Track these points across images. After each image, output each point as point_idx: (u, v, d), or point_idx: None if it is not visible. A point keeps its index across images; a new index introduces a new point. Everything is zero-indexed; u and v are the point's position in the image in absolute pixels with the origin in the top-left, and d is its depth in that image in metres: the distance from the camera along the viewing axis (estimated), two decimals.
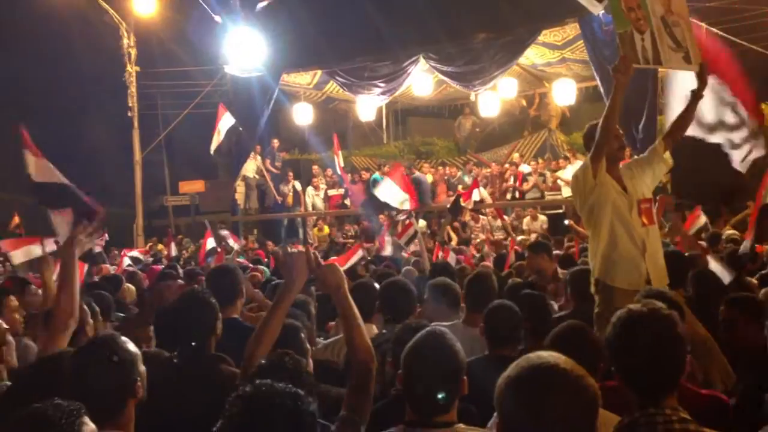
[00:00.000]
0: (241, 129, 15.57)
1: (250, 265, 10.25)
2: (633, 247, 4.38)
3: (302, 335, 3.16)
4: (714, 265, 5.70)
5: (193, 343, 3.29)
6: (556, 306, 5.31)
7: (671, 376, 2.27)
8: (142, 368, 2.60)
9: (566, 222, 13.08)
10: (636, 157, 4.91)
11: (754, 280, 5.74)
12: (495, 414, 2.61)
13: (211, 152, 16.06)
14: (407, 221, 11.25)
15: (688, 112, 4.71)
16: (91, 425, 2.01)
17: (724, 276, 5.38)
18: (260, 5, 15.42)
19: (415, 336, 2.54)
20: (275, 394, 1.78)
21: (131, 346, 2.57)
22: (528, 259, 6.47)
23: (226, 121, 15.67)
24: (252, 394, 1.79)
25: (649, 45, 4.20)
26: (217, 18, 15.95)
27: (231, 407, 1.77)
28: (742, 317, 3.78)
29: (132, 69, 21.13)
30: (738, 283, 5.32)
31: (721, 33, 15.45)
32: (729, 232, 9.91)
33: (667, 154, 4.64)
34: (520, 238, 13.24)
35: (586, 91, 16.59)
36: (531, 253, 6.39)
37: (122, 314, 4.66)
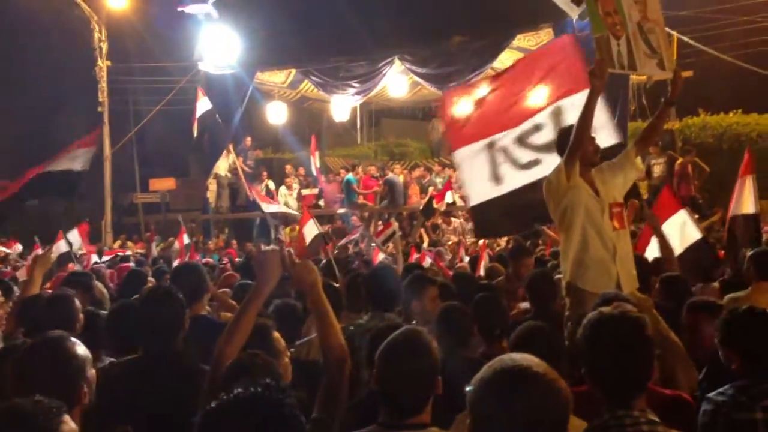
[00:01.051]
0: (217, 116, 15.29)
1: (221, 264, 10.17)
2: (604, 251, 4.41)
3: (274, 335, 3.13)
4: None
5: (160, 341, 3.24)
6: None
7: (639, 378, 2.29)
8: (91, 372, 2.52)
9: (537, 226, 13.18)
10: (607, 162, 4.96)
11: (716, 285, 5.82)
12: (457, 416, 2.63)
13: (194, 135, 15.65)
14: (387, 222, 11.28)
15: (660, 119, 4.77)
16: (71, 424, 1.95)
17: None
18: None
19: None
20: (259, 400, 1.72)
21: (81, 349, 2.47)
22: (512, 266, 6.43)
23: (202, 106, 15.35)
24: (232, 400, 1.72)
25: (625, 51, 4.24)
26: (186, 9, 15.77)
27: (210, 412, 1.72)
28: (703, 321, 3.84)
29: (103, 63, 20.83)
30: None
31: (692, 42, 15.76)
32: None
33: (638, 160, 4.70)
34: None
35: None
36: (512, 260, 6.40)
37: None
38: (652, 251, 6.52)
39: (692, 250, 6.54)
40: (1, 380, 2.56)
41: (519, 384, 1.64)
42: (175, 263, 9.31)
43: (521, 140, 6.62)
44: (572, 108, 6.52)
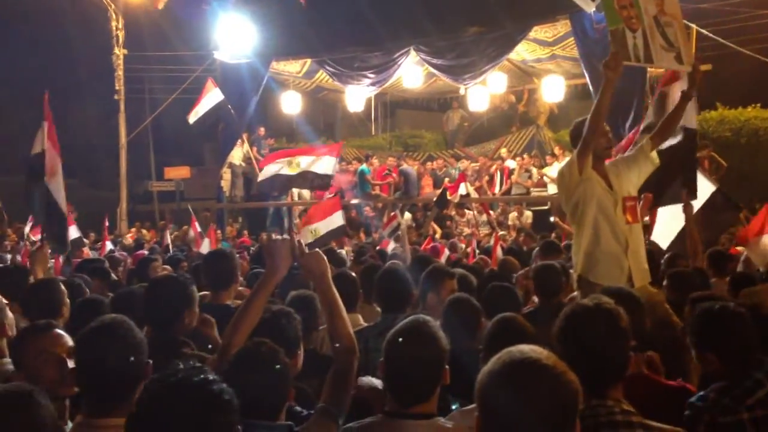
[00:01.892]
0: (230, 107, 15.35)
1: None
2: (616, 245, 4.38)
3: (296, 323, 3.08)
4: None
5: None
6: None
7: (614, 368, 2.32)
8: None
9: (551, 219, 13.14)
10: (622, 155, 4.91)
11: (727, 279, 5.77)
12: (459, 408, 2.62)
13: (190, 122, 15.70)
14: (392, 213, 11.26)
15: (677, 113, 4.72)
16: (50, 409, 1.96)
17: None
18: None
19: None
20: (186, 383, 1.71)
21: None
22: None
23: (212, 97, 15.39)
24: (163, 383, 1.72)
25: (641, 43, 4.19)
26: (204, 6, 15.87)
27: (143, 393, 1.73)
28: None
29: (120, 52, 20.95)
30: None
31: (711, 35, 15.59)
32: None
33: (654, 154, 4.65)
34: (501, 233, 13.29)
35: (575, 89, 16.64)
36: (541, 256, 6.33)
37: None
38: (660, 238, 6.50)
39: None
40: None
41: (528, 376, 1.64)
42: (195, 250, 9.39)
43: None
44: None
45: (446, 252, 9.26)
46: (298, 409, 2.64)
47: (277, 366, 2.37)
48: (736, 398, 2.71)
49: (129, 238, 15.74)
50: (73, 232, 9.42)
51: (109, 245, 11.32)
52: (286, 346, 2.64)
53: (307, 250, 2.78)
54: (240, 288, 5.22)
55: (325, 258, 2.77)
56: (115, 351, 2.26)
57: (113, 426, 2.12)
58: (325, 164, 13.08)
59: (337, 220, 9.03)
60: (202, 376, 1.72)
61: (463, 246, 11.18)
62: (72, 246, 8.88)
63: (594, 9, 10.94)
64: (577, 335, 2.32)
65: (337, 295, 2.71)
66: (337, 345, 2.64)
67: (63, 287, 4.09)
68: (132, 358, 2.26)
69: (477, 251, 9.66)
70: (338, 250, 8.48)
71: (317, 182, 13.49)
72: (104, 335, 2.32)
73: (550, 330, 2.44)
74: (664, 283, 4.96)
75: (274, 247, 2.74)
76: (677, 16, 4.39)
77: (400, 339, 2.41)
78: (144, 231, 18.12)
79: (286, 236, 2.81)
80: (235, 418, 1.74)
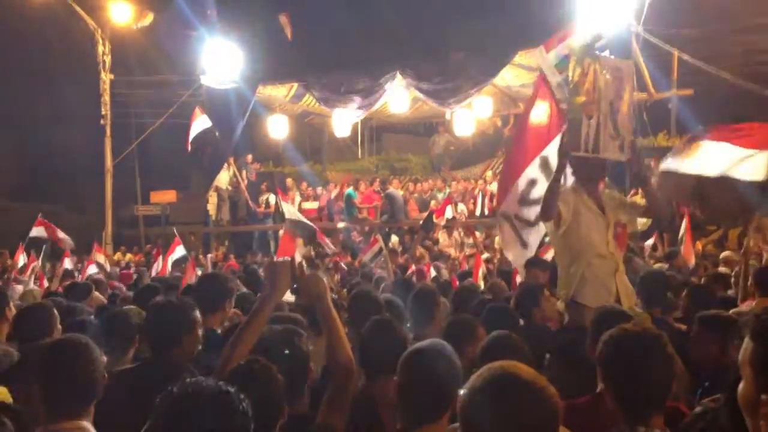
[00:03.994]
0: (217, 134, 15.48)
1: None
2: (605, 267, 4.43)
3: (299, 339, 3.10)
4: None
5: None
6: None
7: (661, 394, 2.31)
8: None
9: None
10: (622, 197, 5.01)
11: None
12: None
13: (188, 149, 15.93)
14: (373, 237, 11.21)
15: (649, 197, 4.73)
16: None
17: None
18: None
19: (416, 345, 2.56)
20: (202, 393, 1.78)
21: (97, 349, 2.60)
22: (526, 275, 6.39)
23: (200, 123, 15.58)
24: (178, 393, 1.79)
25: (593, 132, 4.33)
26: (191, 31, 15.98)
27: (158, 406, 1.78)
28: (708, 334, 3.82)
29: (106, 76, 20.95)
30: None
31: (692, 60, 15.84)
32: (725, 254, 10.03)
33: (641, 221, 4.75)
34: (485, 256, 13.31)
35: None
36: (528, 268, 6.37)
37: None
38: None
39: None
40: None
41: (508, 391, 1.66)
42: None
43: (523, 201, 6.49)
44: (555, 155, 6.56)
45: (432, 272, 9.27)
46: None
47: (271, 382, 2.39)
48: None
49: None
50: (67, 264, 9.55)
51: (92, 268, 11.26)
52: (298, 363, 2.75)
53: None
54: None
55: (324, 280, 2.80)
56: (73, 364, 2.47)
57: (69, 428, 2.37)
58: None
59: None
60: (218, 384, 1.82)
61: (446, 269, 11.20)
62: (64, 276, 8.97)
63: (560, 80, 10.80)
64: (624, 360, 2.29)
65: (336, 317, 2.73)
66: (336, 365, 2.66)
67: (54, 311, 4.07)
68: (89, 370, 2.48)
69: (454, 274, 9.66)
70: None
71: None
72: (61, 350, 2.53)
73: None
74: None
75: (275, 269, 2.77)
76: (628, 102, 4.48)
77: (417, 356, 2.46)
78: (129, 255, 18.00)
79: (287, 258, 2.83)
80: (250, 424, 1.81)
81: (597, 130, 4.29)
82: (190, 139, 15.61)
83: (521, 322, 4.47)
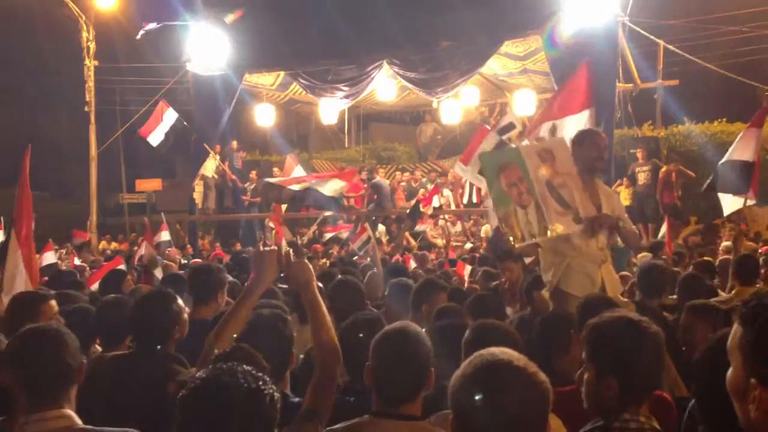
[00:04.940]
0: (185, 123, 15.54)
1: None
2: (591, 256, 4.45)
3: (282, 324, 3.09)
4: None
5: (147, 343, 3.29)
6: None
7: (648, 382, 2.32)
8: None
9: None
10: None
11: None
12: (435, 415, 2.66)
13: (153, 144, 15.93)
14: (360, 226, 11.23)
15: (620, 236, 4.69)
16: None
17: None
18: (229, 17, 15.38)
19: (384, 328, 2.64)
20: (233, 376, 1.79)
21: (72, 335, 2.56)
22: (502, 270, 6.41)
23: (168, 117, 15.65)
24: (206, 379, 1.80)
25: (534, 217, 4.26)
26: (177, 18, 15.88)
27: (183, 399, 1.78)
28: (699, 323, 3.87)
29: (90, 63, 20.76)
30: None
31: (678, 51, 15.92)
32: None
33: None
34: (468, 245, 13.39)
35: (545, 102, 16.82)
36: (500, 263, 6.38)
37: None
38: None
39: None
40: None
41: (499, 378, 1.67)
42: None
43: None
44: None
45: (412, 264, 9.27)
46: (295, 400, 2.72)
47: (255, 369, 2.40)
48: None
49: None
50: (50, 258, 9.51)
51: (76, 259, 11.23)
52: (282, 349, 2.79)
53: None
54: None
55: (310, 267, 2.82)
56: (48, 352, 2.43)
57: (54, 417, 2.35)
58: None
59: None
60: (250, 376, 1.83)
61: (433, 258, 11.21)
62: (48, 268, 8.91)
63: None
64: (610, 348, 2.29)
65: (322, 304, 2.76)
66: (321, 351, 2.68)
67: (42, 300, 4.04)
68: (61, 357, 2.43)
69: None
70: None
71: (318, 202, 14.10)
72: (37, 337, 2.48)
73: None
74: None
75: (261, 257, 2.79)
76: (572, 173, 4.36)
77: (387, 338, 2.52)
78: (114, 243, 17.90)
79: (273, 246, 2.84)
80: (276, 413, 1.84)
81: (539, 212, 4.25)
82: (161, 136, 15.62)
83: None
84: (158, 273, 7.39)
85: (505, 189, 4.36)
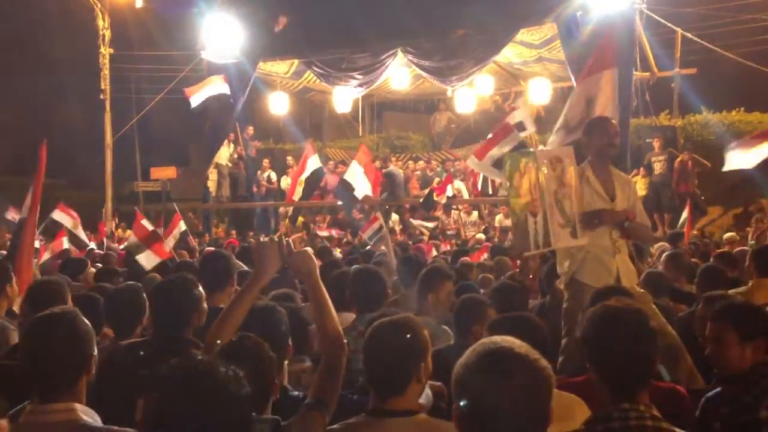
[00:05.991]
0: (232, 101, 15.60)
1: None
2: (606, 246, 4.42)
3: (280, 317, 3.10)
4: None
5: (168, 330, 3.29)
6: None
7: (645, 371, 2.31)
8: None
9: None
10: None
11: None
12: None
13: (192, 104, 15.95)
14: (373, 215, 11.22)
15: (630, 233, 4.61)
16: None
17: None
18: None
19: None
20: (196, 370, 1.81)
21: (87, 323, 2.53)
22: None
23: (217, 87, 15.70)
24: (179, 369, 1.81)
25: (541, 228, 4.29)
26: (191, 6, 15.92)
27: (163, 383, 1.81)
28: (732, 335, 3.03)
29: (105, 51, 20.83)
30: None
31: (696, 39, 15.73)
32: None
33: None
34: (481, 235, 13.41)
35: (561, 91, 16.69)
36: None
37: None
38: None
39: None
40: None
41: (502, 365, 1.67)
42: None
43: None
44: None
45: (433, 252, 9.28)
46: (295, 393, 2.74)
47: (261, 359, 2.41)
48: (756, 396, 2.72)
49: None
50: (64, 243, 9.77)
51: (91, 244, 11.31)
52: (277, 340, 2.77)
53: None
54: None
55: (313, 257, 2.81)
56: (60, 340, 2.37)
57: (59, 410, 2.30)
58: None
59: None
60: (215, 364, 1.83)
61: (448, 248, 11.22)
62: (63, 256, 9.03)
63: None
64: (609, 337, 2.30)
65: (325, 293, 2.74)
66: (326, 340, 2.67)
67: (66, 286, 4.08)
68: (76, 348, 2.38)
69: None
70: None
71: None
72: (50, 325, 2.42)
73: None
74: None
75: (262, 249, 2.77)
76: (574, 186, 4.40)
77: (378, 329, 2.52)
78: (129, 231, 17.95)
79: (274, 237, 2.82)
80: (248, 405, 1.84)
81: (545, 224, 4.28)
82: (202, 98, 15.65)
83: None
84: (142, 260, 7.34)
85: (522, 193, 4.36)
